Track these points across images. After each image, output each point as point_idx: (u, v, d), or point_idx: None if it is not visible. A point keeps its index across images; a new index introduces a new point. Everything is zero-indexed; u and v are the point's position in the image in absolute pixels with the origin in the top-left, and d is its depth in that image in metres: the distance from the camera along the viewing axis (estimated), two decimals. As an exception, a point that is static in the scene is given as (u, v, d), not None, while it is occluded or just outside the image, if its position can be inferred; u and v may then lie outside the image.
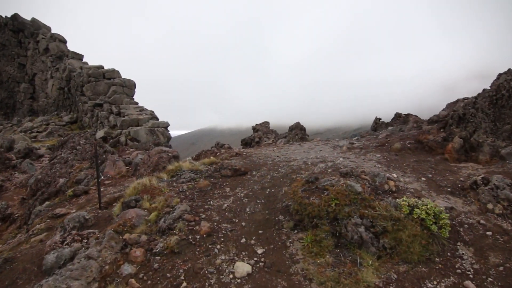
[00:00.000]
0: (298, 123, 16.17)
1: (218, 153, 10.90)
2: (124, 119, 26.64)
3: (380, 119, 16.22)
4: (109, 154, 11.79)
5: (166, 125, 25.76)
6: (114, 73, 32.41)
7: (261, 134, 17.27)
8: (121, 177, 11.18)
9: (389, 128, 14.50)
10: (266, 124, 18.76)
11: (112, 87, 31.09)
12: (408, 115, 15.19)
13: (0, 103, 42.52)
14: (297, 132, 15.48)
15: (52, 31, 40.28)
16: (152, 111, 30.04)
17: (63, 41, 39.19)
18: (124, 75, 33.32)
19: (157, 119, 29.03)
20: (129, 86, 31.92)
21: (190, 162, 9.00)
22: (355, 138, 13.22)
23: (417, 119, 13.18)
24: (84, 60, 37.05)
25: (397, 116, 15.91)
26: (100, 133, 25.69)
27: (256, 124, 19.10)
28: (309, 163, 8.19)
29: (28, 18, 42.49)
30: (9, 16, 41.79)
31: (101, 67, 32.77)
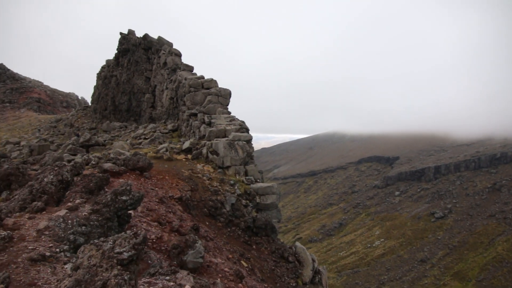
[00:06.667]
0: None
1: None
2: (212, 130, 25.68)
3: None
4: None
5: (247, 139, 23.39)
6: (211, 83, 32.45)
7: None
8: None
9: None
10: None
11: (208, 97, 31.04)
12: None
13: (132, 111, 49.60)
14: None
15: (182, 49, 44.20)
16: (243, 122, 28.34)
17: (178, 55, 42.44)
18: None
19: (247, 130, 27.06)
20: (224, 95, 31.31)
21: None
22: None
23: None
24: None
25: None
26: (186, 144, 25.42)
27: None
28: None
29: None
30: (141, 36, 48.24)
31: (201, 77, 33.39)
